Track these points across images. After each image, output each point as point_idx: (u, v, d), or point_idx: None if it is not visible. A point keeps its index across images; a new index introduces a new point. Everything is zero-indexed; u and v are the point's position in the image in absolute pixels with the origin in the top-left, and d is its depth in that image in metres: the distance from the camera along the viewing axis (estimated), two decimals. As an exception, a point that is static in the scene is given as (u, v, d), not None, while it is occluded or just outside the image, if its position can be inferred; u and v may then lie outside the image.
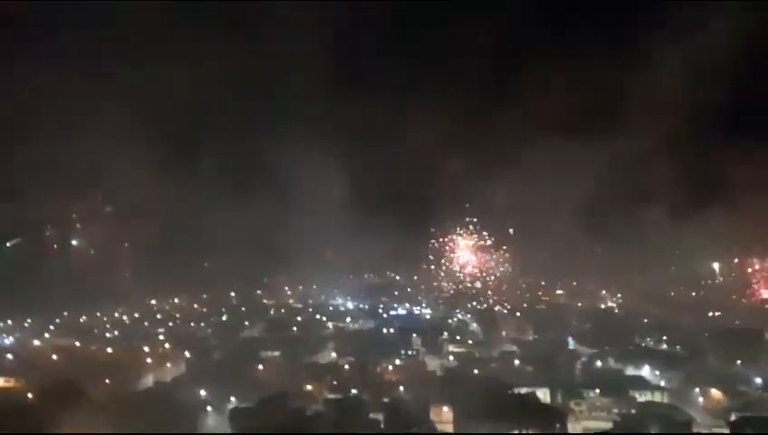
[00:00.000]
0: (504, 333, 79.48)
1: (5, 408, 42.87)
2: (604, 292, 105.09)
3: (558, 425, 44.70)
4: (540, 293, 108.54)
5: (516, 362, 62.83)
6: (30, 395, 47.93)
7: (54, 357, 61.38)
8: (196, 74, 79.45)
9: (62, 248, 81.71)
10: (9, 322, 74.13)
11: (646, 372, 57.57)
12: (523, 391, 50.68)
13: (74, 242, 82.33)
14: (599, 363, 62.24)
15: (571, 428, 45.58)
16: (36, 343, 68.02)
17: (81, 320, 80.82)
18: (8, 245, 75.64)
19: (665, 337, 69.43)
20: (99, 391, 49.71)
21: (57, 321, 78.21)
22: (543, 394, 51.47)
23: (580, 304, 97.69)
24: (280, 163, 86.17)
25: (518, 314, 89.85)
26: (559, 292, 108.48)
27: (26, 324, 75.06)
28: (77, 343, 68.20)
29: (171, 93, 79.68)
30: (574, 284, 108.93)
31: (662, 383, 54.08)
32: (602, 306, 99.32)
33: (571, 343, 70.89)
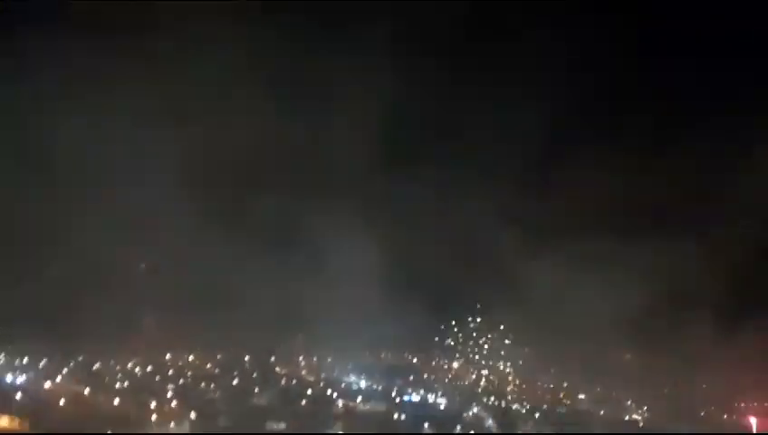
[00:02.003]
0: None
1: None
2: (630, 402, 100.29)
3: None
4: (561, 395, 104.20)
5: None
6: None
7: (62, 402, 61.42)
8: (241, 133, 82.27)
9: (89, 293, 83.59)
10: (26, 359, 74.80)
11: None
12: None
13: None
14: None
15: None
16: (47, 385, 68.20)
17: (95, 367, 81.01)
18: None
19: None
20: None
21: (71, 364, 78.34)
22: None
23: (602, 413, 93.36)
24: (313, 228, 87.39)
25: (537, 415, 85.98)
26: (581, 396, 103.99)
27: (41, 365, 75.52)
28: (87, 390, 68.27)
29: (211, 150, 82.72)
30: (598, 389, 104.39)
31: None
32: (626, 417, 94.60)
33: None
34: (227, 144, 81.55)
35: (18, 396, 61.26)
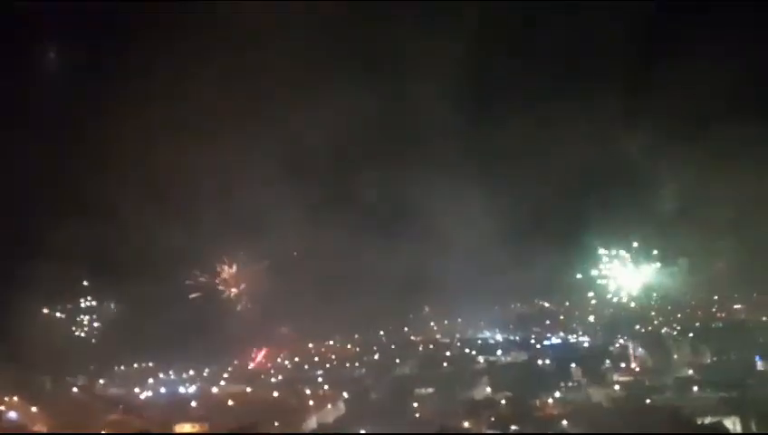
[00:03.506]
0: (675, 356, 72.44)
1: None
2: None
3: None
4: (714, 309, 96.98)
5: (695, 388, 56.42)
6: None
7: (230, 403, 67.07)
8: (342, 117, 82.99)
9: (228, 300, 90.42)
10: (191, 371, 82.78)
11: None
12: (708, 420, 45.29)
13: (235, 292, 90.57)
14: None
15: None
16: (214, 390, 74.96)
17: (250, 367, 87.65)
18: (190, 297, 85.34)
19: None
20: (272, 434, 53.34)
21: (229, 369, 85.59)
22: (733, 423, 45.59)
23: (766, 319, 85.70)
24: (421, 193, 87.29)
25: (690, 334, 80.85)
26: (737, 307, 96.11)
27: (205, 374, 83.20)
28: (248, 389, 74.17)
29: (317, 136, 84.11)
30: (755, 296, 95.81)
31: None
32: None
33: (761, 364, 62.59)
34: (323, 131, 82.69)
35: (193, 404, 67.84)
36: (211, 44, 79.75)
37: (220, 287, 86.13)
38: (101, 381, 76.82)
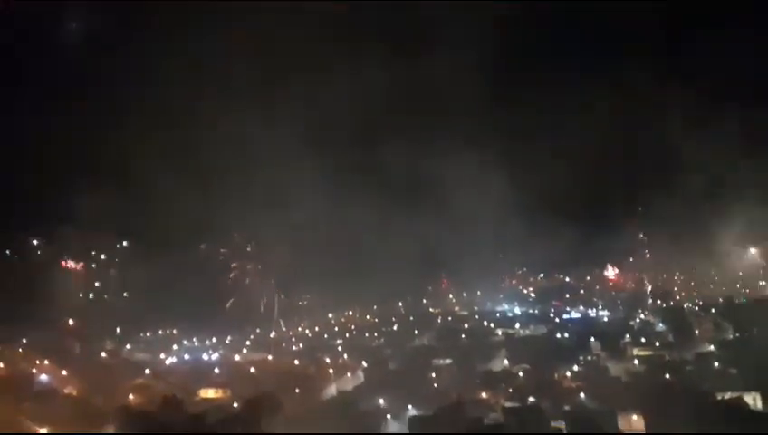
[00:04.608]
0: (697, 332, 71.80)
1: (218, 416, 48.73)
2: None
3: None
4: (738, 285, 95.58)
5: (716, 364, 56.09)
6: (236, 405, 53.61)
7: (252, 370, 68.54)
8: (358, 90, 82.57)
9: (252, 273, 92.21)
10: (214, 339, 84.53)
11: None
12: (728, 396, 44.99)
13: (260, 267, 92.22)
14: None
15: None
16: (237, 357, 76.61)
17: (272, 335, 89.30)
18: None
19: None
20: (293, 401, 54.64)
21: (252, 337, 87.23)
22: (753, 399, 45.31)
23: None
24: (439, 167, 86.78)
25: (713, 310, 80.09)
26: (762, 283, 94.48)
27: (227, 341, 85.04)
28: (269, 357, 75.66)
29: (331, 112, 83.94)
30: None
31: None
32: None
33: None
34: (341, 103, 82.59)
35: (216, 371, 69.58)
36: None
37: (241, 262, 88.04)
38: (128, 347, 78.87)
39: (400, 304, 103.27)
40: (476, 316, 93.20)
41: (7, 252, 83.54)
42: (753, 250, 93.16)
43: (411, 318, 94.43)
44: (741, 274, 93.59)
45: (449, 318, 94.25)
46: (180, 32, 79.47)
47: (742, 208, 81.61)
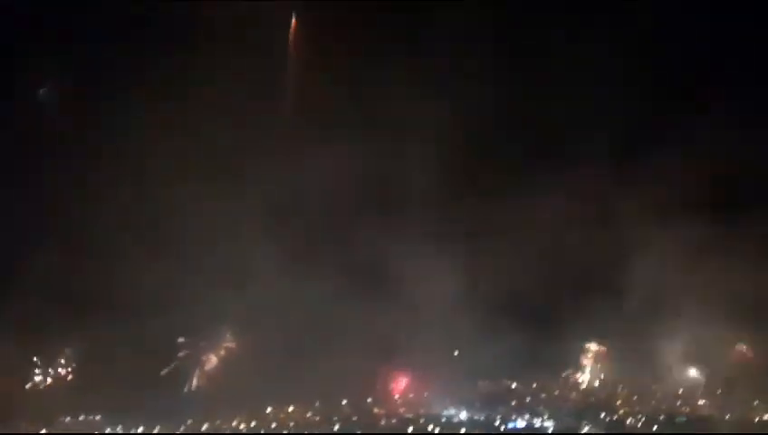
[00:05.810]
0: (640, 449, 72.06)
1: None
2: (756, 402, 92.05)
3: None
4: (678, 402, 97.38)
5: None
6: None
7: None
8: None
9: (192, 360, 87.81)
10: (141, 428, 77.30)
11: None
12: None
13: (204, 358, 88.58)
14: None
15: None
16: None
17: (204, 428, 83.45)
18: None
19: None
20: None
21: (182, 429, 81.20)
22: None
23: (728, 417, 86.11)
24: (396, 258, 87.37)
25: (655, 427, 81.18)
26: (701, 402, 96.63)
27: (155, 431, 78.06)
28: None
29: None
30: (719, 392, 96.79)
31: None
32: (756, 419, 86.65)
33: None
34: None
35: None
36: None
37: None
38: (43, 432, 72.08)
39: (344, 401, 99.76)
40: (422, 420, 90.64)
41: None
42: (692, 369, 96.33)
43: (354, 418, 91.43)
44: (681, 391, 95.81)
45: (393, 420, 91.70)
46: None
47: (684, 325, 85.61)
